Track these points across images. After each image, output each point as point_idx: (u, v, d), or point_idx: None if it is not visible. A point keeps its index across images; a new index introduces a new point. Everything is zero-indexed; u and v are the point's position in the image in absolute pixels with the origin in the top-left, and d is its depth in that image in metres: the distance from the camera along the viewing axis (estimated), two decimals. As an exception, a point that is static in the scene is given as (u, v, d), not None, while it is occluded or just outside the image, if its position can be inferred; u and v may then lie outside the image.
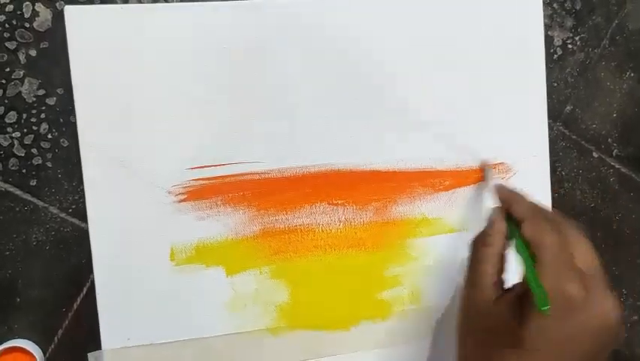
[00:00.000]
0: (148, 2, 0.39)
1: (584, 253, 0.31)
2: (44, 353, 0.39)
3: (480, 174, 0.44)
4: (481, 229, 0.36)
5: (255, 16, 0.39)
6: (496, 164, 0.44)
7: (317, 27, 0.40)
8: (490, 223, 0.36)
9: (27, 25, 0.37)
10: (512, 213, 0.35)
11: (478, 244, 0.36)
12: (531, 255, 0.32)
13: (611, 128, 0.48)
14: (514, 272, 0.46)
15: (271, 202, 0.41)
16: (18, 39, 0.37)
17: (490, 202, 0.43)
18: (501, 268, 0.35)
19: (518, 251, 0.34)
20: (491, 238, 0.35)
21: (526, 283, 0.31)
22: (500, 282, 0.34)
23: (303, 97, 0.40)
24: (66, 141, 0.38)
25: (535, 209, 0.35)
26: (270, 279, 0.41)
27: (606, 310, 0.29)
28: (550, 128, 0.46)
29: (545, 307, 0.28)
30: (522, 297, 0.31)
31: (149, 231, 0.39)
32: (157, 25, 0.38)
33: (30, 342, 0.38)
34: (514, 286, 0.34)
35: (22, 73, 0.38)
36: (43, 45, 0.38)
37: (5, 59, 0.37)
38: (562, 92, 0.46)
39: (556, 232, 0.32)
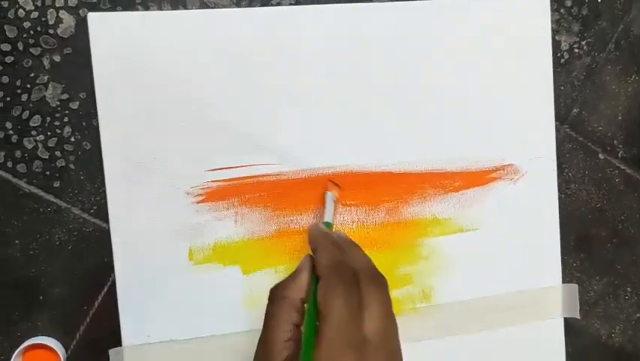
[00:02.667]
0: (167, 9, 0.40)
1: (375, 319, 0.28)
2: (66, 350, 0.40)
3: (489, 176, 0.45)
4: (284, 279, 0.32)
5: (269, 23, 0.40)
6: (504, 165, 0.45)
7: (330, 32, 0.41)
8: (293, 273, 0.32)
9: (51, 31, 0.39)
10: (314, 267, 0.31)
11: (276, 295, 0.31)
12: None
13: (617, 130, 0.49)
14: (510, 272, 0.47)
15: (286, 203, 0.42)
16: (42, 45, 0.39)
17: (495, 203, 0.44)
18: (298, 322, 0.30)
19: (307, 311, 0.30)
20: (287, 290, 0.30)
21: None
22: (294, 338, 0.30)
23: (317, 101, 0.42)
24: (88, 144, 0.40)
25: (336, 263, 0.30)
26: (285, 278, 0.42)
27: None
28: (558, 130, 0.47)
29: None
30: None
31: (169, 231, 0.40)
32: (176, 31, 0.39)
33: (53, 339, 0.40)
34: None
35: (46, 78, 0.39)
36: (67, 51, 0.39)
37: (30, 64, 0.38)
38: (569, 95, 0.47)
39: (347, 295, 0.28)
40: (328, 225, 0.38)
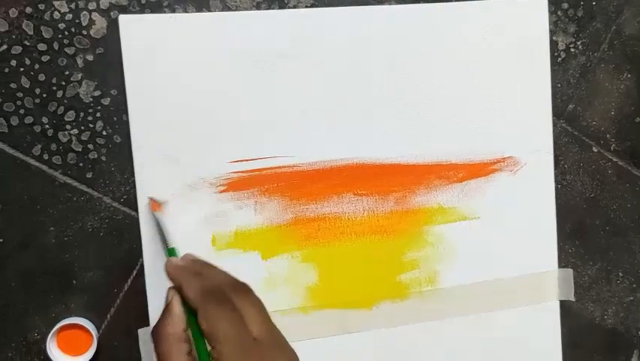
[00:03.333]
0: (192, 12, 0.42)
1: (256, 320, 0.30)
2: (98, 330, 0.43)
3: (491, 167, 0.48)
4: (162, 314, 0.32)
5: (288, 24, 0.43)
6: (505, 158, 0.48)
7: (344, 33, 0.44)
8: (166, 309, 0.32)
9: (84, 32, 0.41)
10: (184, 299, 0.32)
11: (159, 334, 0.31)
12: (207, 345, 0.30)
13: (610, 125, 0.51)
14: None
15: (302, 193, 0.44)
16: (76, 45, 0.41)
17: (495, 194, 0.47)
18: (189, 350, 0.31)
19: (194, 338, 0.31)
20: (169, 327, 0.31)
21: None
22: None
23: (331, 98, 0.44)
24: (119, 138, 0.42)
25: (204, 291, 0.31)
26: (301, 262, 0.45)
27: None
28: (554, 125, 0.49)
29: None
30: None
31: (193, 218, 0.43)
32: (200, 32, 0.42)
33: (85, 320, 0.42)
34: None
35: (79, 76, 0.41)
36: (99, 50, 0.41)
37: (65, 63, 0.41)
38: (565, 92, 0.50)
39: (227, 314, 0.30)
40: (172, 251, 0.38)
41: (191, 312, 0.31)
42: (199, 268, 0.34)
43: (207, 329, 0.30)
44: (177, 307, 0.32)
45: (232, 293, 0.31)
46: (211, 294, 0.31)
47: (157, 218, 0.40)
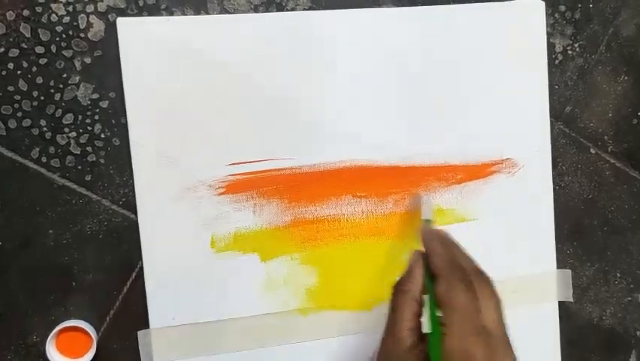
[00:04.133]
0: (190, 15, 0.42)
1: (491, 312, 0.32)
2: (97, 332, 0.43)
3: (489, 169, 0.48)
4: (403, 274, 0.36)
5: (286, 27, 0.43)
6: (503, 159, 0.48)
7: (342, 35, 0.44)
8: (408, 269, 0.36)
9: (82, 35, 0.41)
10: (430, 264, 0.35)
11: (397, 289, 0.35)
12: (439, 315, 0.32)
13: (607, 126, 0.52)
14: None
15: (301, 195, 0.44)
16: (74, 48, 0.41)
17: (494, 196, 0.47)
18: (420, 312, 0.34)
19: (429, 302, 0.33)
20: (408, 284, 0.35)
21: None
22: (418, 327, 0.34)
23: (329, 100, 0.44)
24: (117, 140, 0.42)
25: (451, 264, 0.34)
26: (300, 264, 0.45)
27: None
28: (552, 126, 0.50)
29: None
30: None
31: (192, 221, 0.43)
32: (198, 34, 0.42)
33: (85, 322, 0.42)
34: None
35: (77, 78, 0.41)
36: (97, 53, 0.41)
37: (62, 65, 0.41)
38: (562, 94, 0.50)
39: (467, 292, 0.32)
40: (428, 222, 0.42)
41: (430, 278, 0.34)
42: (451, 243, 0.37)
43: (444, 297, 0.32)
44: (419, 270, 0.35)
45: (475, 279, 0.33)
46: (456, 268, 0.34)
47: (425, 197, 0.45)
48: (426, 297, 0.34)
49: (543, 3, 0.48)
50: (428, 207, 0.44)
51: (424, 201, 0.45)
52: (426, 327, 0.32)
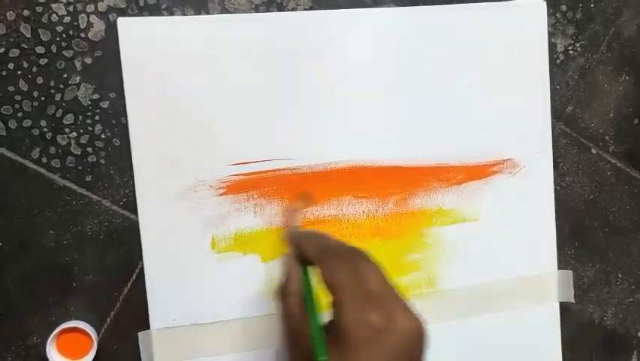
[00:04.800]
0: (190, 15, 0.42)
1: (375, 277, 0.32)
2: (98, 333, 0.42)
3: (490, 169, 0.48)
4: (280, 281, 0.36)
5: (287, 27, 0.43)
6: (504, 160, 0.48)
7: (341, 35, 0.44)
8: (287, 272, 0.36)
9: (82, 35, 0.41)
10: (305, 258, 0.35)
11: (282, 294, 0.35)
12: (329, 299, 0.31)
13: (608, 126, 0.52)
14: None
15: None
16: (74, 48, 0.41)
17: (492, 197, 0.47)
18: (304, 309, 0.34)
19: (305, 295, 0.34)
20: (291, 285, 0.35)
21: (336, 322, 0.31)
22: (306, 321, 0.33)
23: (330, 101, 0.44)
24: (118, 141, 0.42)
25: (325, 249, 0.34)
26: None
27: (410, 326, 0.30)
28: (553, 126, 0.49)
29: (322, 358, 0.29)
30: (335, 336, 0.31)
31: (193, 222, 0.43)
32: (199, 34, 0.42)
33: (85, 323, 0.42)
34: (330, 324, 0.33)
35: (78, 79, 0.41)
36: (97, 53, 0.41)
37: (63, 66, 0.41)
38: (564, 94, 0.50)
39: (346, 266, 0.32)
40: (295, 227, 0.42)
41: (305, 272, 0.35)
42: (315, 234, 0.38)
43: (329, 280, 0.32)
44: (295, 268, 0.35)
45: (349, 254, 0.33)
46: (331, 251, 0.34)
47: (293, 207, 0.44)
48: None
49: (544, 3, 0.48)
50: (293, 216, 0.44)
51: (293, 212, 0.44)
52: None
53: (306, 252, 0.35)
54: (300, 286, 0.34)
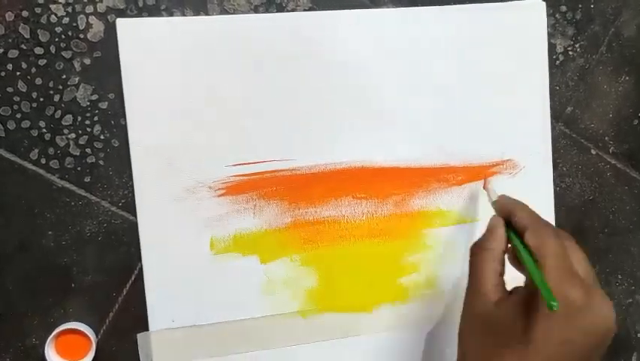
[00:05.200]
0: (190, 15, 0.42)
1: (580, 262, 0.33)
2: (97, 334, 0.42)
3: (490, 170, 0.48)
4: (482, 235, 0.37)
5: (286, 27, 0.43)
6: (504, 160, 0.48)
7: (342, 36, 0.44)
8: (490, 230, 0.37)
9: (81, 36, 0.41)
10: (514, 222, 0.36)
11: (479, 248, 0.36)
12: (534, 261, 0.33)
13: (608, 127, 0.51)
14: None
15: (301, 196, 0.44)
16: (73, 49, 0.41)
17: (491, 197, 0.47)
18: (502, 271, 0.35)
19: (520, 257, 0.34)
20: (491, 242, 0.36)
21: (531, 287, 0.32)
22: (501, 284, 0.35)
23: (329, 101, 0.44)
24: (117, 142, 0.42)
25: (536, 218, 0.36)
26: (300, 266, 0.45)
27: (605, 314, 0.31)
28: (553, 127, 0.49)
29: (555, 303, 0.29)
30: (526, 300, 0.32)
31: (192, 223, 0.43)
32: (198, 35, 0.42)
33: (84, 324, 0.42)
34: (517, 289, 0.34)
35: (77, 79, 0.41)
36: (96, 54, 0.41)
37: (62, 66, 0.41)
38: (563, 94, 0.50)
39: (557, 239, 0.33)
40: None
41: (515, 235, 0.35)
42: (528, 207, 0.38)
43: (536, 244, 0.33)
44: (500, 229, 0.36)
45: (562, 235, 0.34)
46: (542, 221, 0.35)
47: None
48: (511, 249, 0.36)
49: (544, 3, 0.48)
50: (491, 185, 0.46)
51: (490, 187, 0.46)
52: (525, 260, 0.33)
53: (520, 216, 0.36)
54: (499, 247, 0.35)
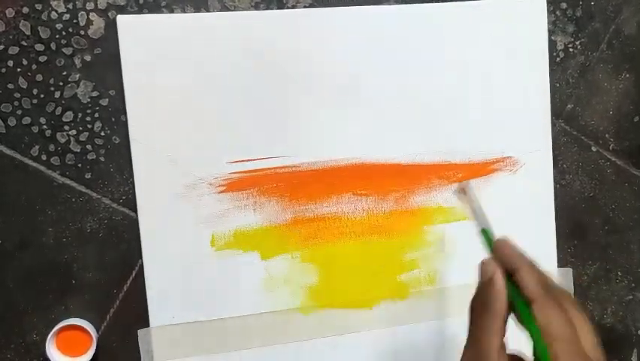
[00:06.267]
0: (190, 12, 0.42)
1: (587, 337, 0.30)
2: (97, 331, 0.43)
3: (490, 167, 0.48)
4: (479, 286, 0.32)
5: (287, 24, 0.43)
6: (504, 158, 0.48)
7: (343, 33, 0.44)
8: (492, 283, 0.31)
9: (82, 32, 0.41)
10: (516, 280, 0.31)
11: (480, 305, 0.31)
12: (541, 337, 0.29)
13: (608, 124, 0.52)
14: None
15: (301, 193, 0.44)
16: (74, 45, 0.41)
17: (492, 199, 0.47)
18: (504, 331, 0.31)
19: (525, 324, 0.30)
20: (494, 301, 0.31)
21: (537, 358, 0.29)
22: (504, 347, 0.31)
23: (330, 98, 0.44)
24: (117, 138, 0.42)
25: (544, 284, 0.31)
26: (301, 263, 0.45)
27: None
28: (553, 124, 0.49)
29: None
30: None
31: (192, 219, 0.43)
32: (198, 32, 0.42)
33: (85, 321, 0.42)
34: (518, 356, 0.32)
35: (77, 76, 0.41)
36: (97, 51, 0.41)
37: (62, 63, 0.41)
38: (564, 91, 0.50)
39: (564, 318, 0.29)
40: (487, 233, 0.37)
41: (516, 294, 0.30)
42: (527, 258, 0.33)
43: (543, 322, 0.29)
44: (500, 284, 0.31)
45: (564, 301, 0.30)
46: (550, 290, 0.30)
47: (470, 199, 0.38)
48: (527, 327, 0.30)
49: (544, 0, 0.48)
50: (480, 210, 0.38)
51: (476, 203, 0.39)
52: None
53: (525, 280, 0.31)
54: (502, 307, 0.30)
